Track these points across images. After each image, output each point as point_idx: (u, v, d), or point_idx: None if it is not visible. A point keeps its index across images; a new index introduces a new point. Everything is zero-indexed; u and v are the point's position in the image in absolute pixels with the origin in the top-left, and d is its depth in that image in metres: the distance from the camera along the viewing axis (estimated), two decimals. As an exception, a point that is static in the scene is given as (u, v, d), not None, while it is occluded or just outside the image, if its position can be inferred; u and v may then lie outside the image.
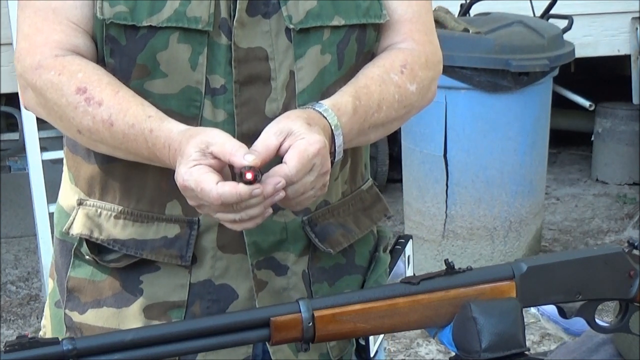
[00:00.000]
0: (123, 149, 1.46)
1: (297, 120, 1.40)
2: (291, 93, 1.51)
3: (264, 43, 1.49)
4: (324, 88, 1.52)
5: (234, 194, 1.33)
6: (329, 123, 1.44)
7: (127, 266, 1.56)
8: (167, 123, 1.42)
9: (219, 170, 1.35)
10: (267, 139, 1.38)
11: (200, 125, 1.48)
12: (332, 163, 1.44)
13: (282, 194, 1.36)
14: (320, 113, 1.45)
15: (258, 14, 1.48)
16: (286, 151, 1.37)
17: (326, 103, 1.47)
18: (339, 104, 1.47)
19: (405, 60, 1.56)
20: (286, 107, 1.50)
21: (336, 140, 1.45)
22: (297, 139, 1.37)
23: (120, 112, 1.43)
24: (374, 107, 1.51)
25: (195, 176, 1.34)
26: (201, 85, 1.48)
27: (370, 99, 1.50)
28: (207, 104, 1.49)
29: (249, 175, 1.32)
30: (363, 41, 1.55)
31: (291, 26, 1.49)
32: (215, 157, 1.35)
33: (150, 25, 1.45)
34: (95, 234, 1.56)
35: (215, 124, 1.48)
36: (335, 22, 1.51)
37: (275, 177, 1.35)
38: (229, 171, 1.38)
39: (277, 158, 1.39)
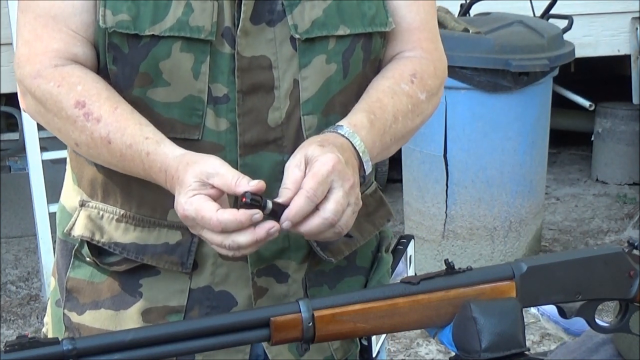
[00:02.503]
0: (120, 167, 1.46)
1: (311, 146, 1.41)
2: (295, 102, 1.50)
3: (267, 51, 1.48)
4: (329, 97, 1.52)
5: (234, 220, 1.33)
6: (357, 151, 1.45)
7: (127, 269, 1.55)
8: (163, 147, 1.42)
9: (216, 199, 1.36)
10: (292, 174, 1.39)
11: (203, 134, 1.48)
12: (363, 178, 1.46)
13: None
14: (337, 132, 1.45)
15: (262, 22, 1.48)
16: None
17: (343, 123, 1.47)
18: (354, 121, 1.47)
19: (414, 70, 1.56)
20: (289, 116, 1.50)
21: (360, 152, 1.45)
22: (313, 162, 1.38)
23: (118, 130, 1.42)
24: (390, 119, 1.51)
25: (195, 205, 1.35)
26: (204, 94, 1.47)
27: (384, 112, 1.50)
28: (209, 113, 1.48)
29: (243, 198, 1.33)
30: (369, 49, 1.54)
31: (297, 36, 1.48)
32: (214, 188, 1.36)
33: (153, 34, 1.44)
34: (97, 237, 1.55)
35: (217, 133, 1.48)
36: (340, 32, 1.50)
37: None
38: (226, 198, 1.39)
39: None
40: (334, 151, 1.40)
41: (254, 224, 1.34)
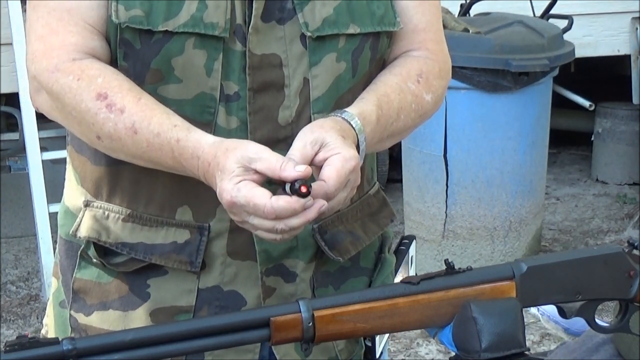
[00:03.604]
0: (145, 158, 1.44)
1: (331, 131, 1.40)
2: (305, 100, 1.50)
3: (278, 49, 1.48)
4: (338, 96, 1.52)
5: (289, 208, 1.33)
6: (356, 133, 1.44)
7: (135, 270, 1.55)
8: (194, 133, 1.40)
9: (260, 184, 1.35)
10: (304, 148, 1.38)
11: (214, 132, 1.47)
12: None
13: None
14: (350, 124, 1.44)
15: (272, 20, 1.48)
16: (320, 162, 1.37)
17: (353, 111, 1.46)
18: (365, 113, 1.47)
19: (421, 70, 1.56)
20: (299, 114, 1.50)
21: (360, 150, 1.45)
22: (332, 152, 1.37)
23: (144, 119, 1.41)
24: (394, 116, 1.51)
25: (244, 192, 1.33)
26: (216, 91, 1.47)
27: (390, 108, 1.50)
28: (220, 111, 1.48)
29: (303, 189, 1.33)
30: (376, 48, 1.54)
31: (308, 33, 1.48)
32: (257, 173, 1.35)
33: (166, 30, 1.43)
34: (103, 237, 1.54)
35: (228, 131, 1.47)
36: (350, 30, 1.50)
37: (319, 200, 1.35)
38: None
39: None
40: (354, 147, 1.40)
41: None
